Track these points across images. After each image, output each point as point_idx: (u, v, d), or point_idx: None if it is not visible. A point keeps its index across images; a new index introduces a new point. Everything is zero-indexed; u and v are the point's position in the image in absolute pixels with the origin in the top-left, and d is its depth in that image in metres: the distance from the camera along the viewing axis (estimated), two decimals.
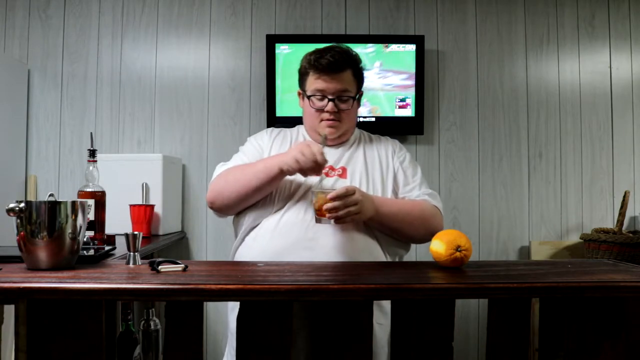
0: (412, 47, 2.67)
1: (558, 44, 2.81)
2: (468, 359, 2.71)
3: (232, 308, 1.53)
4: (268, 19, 2.75)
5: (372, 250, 1.44)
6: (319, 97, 1.51)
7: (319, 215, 1.35)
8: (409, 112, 2.68)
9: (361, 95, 1.61)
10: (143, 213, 2.22)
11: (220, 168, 1.55)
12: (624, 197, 2.55)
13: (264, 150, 1.59)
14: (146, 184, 2.33)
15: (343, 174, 1.52)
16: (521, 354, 1.08)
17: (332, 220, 1.33)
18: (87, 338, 0.99)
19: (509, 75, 2.80)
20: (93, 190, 1.59)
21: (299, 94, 1.60)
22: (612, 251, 2.38)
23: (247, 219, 1.49)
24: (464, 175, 2.77)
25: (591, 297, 1.06)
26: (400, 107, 2.68)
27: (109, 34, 2.74)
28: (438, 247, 1.18)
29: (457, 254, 1.15)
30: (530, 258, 2.72)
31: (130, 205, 2.23)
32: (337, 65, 1.48)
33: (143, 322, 1.42)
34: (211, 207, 1.52)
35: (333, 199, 1.31)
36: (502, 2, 2.80)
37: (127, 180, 2.29)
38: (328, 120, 1.52)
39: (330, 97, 1.50)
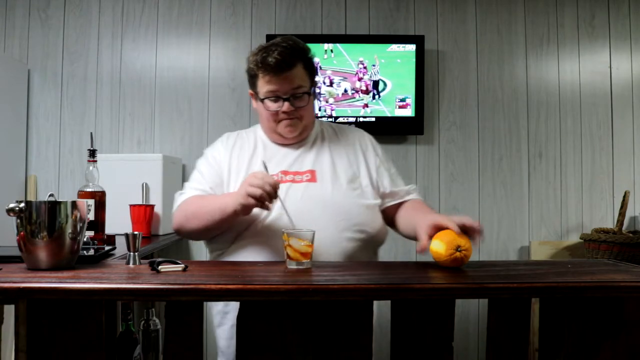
0: (412, 47, 2.67)
1: (558, 44, 2.81)
2: (468, 359, 2.71)
3: (219, 324, 1.51)
4: (268, 19, 2.75)
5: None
6: (272, 98, 1.42)
7: (293, 258, 1.19)
8: (409, 112, 2.68)
9: (315, 86, 1.51)
10: (143, 213, 2.22)
11: (179, 198, 1.46)
12: (624, 197, 2.55)
13: (222, 169, 1.48)
14: (146, 184, 2.33)
15: (312, 177, 1.44)
16: (521, 354, 1.08)
17: (306, 264, 1.19)
18: (87, 338, 0.99)
19: (509, 75, 2.80)
20: (93, 190, 1.59)
21: (251, 95, 1.50)
22: (612, 251, 2.38)
23: (216, 242, 1.45)
24: (464, 175, 2.77)
25: (591, 297, 1.06)
26: (400, 107, 2.68)
27: (109, 34, 2.74)
28: (438, 247, 1.17)
29: (457, 254, 1.15)
30: (530, 258, 2.72)
31: (130, 205, 2.23)
32: (285, 63, 1.38)
33: (143, 322, 1.42)
34: (178, 235, 1.50)
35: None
36: (502, 2, 2.80)
37: (127, 180, 2.29)
38: (286, 120, 1.43)
39: (284, 97, 1.41)
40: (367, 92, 2.67)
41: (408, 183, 1.59)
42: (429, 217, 1.27)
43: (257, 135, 1.55)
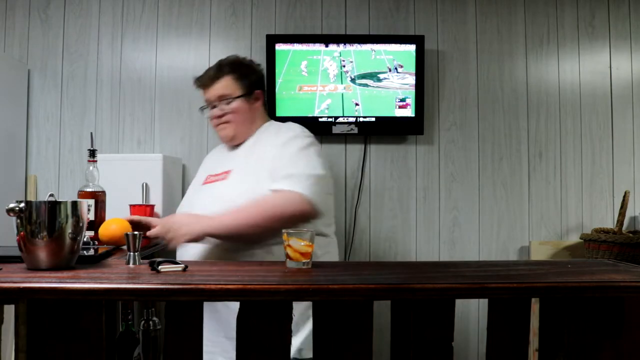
0: (412, 47, 2.67)
1: (558, 44, 2.81)
2: (468, 359, 2.71)
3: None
4: (268, 19, 2.75)
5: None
6: (207, 107, 1.73)
7: (293, 258, 1.21)
8: (409, 112, 2.68)
9: (260, 93, 1.74)
10: (143, 213, 2.21)
11: None
12: (624, 197, 2.55)
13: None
14: (146, 184, 2.33)
15: (225, 177, 1.61)
16: (521, 354, 1.08)
17: (306, 264, 1.20)
18: (87, 338, 0.99)
19: (509, 75, 2.80)
20: (93, 190, 1.60)
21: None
22: (612, 251, 2.38)
23: None
24: (464, 175, 2.77)
25: (591, 297, 1.06)
26: (400, 107, 2.68)
27: (109, 34, 2.74)
28: None
29: None
30: (530, 258, 2.72)
31: (130, 205, 2.22)
32: (212, 76, 1.70)
33: (143, 322, 1.42)
34: None
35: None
36: (502, 2, 2.80)
37: (127, 180, 2.29)
38: (218, 125, 1.71)
39: (212, 104, 1.71)
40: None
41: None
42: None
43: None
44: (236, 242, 1.50)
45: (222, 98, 1.69)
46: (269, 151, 1.58)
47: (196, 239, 1.45)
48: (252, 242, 1.51)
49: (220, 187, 1.58)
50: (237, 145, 1.73)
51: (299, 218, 1.47)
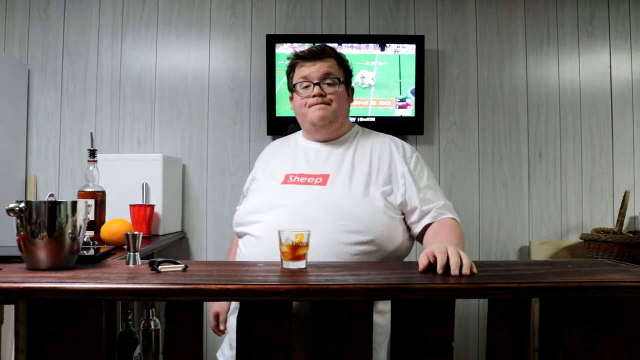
0: (412, 47, 2.67)
1: (558, 44, 2.81)
2: (468, 359, 2.71)
3: (232, 310, 1.52)
4: (268, 19, 2.75)
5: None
6: (305, 84, 1.52)
7: (285, 258, 1.18)
8: (409, 112, 2.68)
9: (352, 90, 1.61)
10: (143, 213, 2.22)
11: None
12: (624, 197, 2.55)
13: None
14: (146, 184, 2.33)
15: (323, 181, 1.46)
16: (521, 354, 1.08)
17: (298, 264, 1.17)
18: (87, 338, 0.99)
19: (509, 75, 2.80)
20: (93, 190, 1.60)
21: (290, 99, 1.60)
22: (612, 251, 2.38)
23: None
24: (464, 175, 2.77)
25: (591, 297, 1.06)
26: (400, 107, 2.68)
27: (109, 34, 2.74)
28: None
29: None
30: (530, 258, 2.72)
31: (130, 205, 2.22)
32: (319, 52, 1.53)
33: (143, 322, 1.42)
34: None
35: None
36: (502, 2, 2.80)
37: (127, 180, 2.29)
38: (316, 104, 1.50)
39: (315, 81, 1.51)
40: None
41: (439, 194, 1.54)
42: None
43: (296, 139, 1.65)
44: None
45: (327, 76, 1.51)
46: (385, 165, 1.49)
47: None
48: None
49: (319, 191, 1.44)
50: (323, 143, 1.57)
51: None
